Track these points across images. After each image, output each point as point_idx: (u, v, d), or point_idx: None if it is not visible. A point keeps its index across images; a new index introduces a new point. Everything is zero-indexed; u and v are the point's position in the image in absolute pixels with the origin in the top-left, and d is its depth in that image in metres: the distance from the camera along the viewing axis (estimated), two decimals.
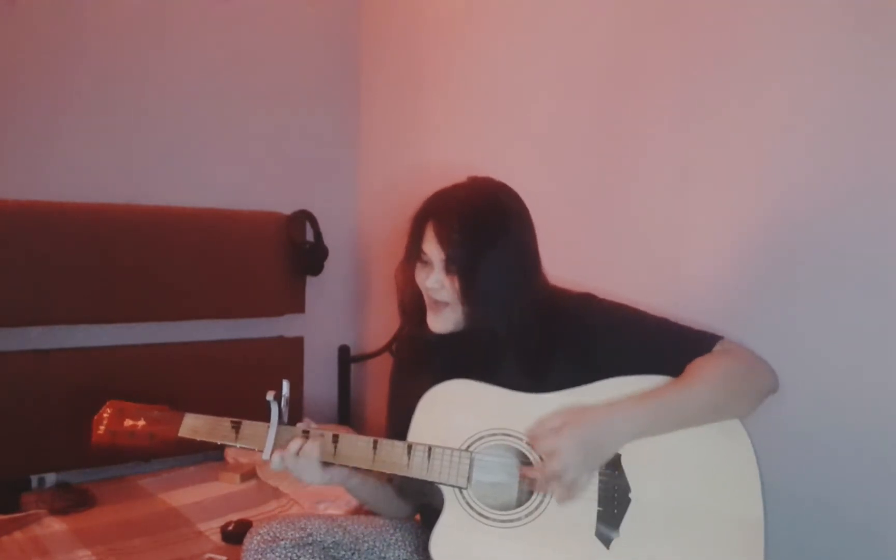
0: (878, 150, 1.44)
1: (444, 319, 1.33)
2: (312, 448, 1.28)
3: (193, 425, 1.35)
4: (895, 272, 1.43)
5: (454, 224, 1.29)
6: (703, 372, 1.25)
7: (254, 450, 1.31)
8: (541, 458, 1.23)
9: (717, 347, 1.29)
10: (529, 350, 1.33)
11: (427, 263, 1.34)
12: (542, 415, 1.26)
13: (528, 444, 1.27)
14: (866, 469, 1.47)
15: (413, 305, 1.41)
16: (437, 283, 1.31)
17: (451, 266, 1.30)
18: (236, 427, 1.33)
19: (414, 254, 1.37)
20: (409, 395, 1.36)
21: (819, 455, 1.54)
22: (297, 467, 1.28)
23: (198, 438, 1.34)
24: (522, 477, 1.27)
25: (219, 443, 1.33)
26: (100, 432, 1.38)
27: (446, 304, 1.32)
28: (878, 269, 1.45)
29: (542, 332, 1.33)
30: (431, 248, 1.31)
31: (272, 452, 1.29)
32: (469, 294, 1.29)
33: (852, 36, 1.48)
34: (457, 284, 1.30)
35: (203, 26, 2.51)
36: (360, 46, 2.88)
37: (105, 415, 1.40)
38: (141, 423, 1.37)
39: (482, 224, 1.30)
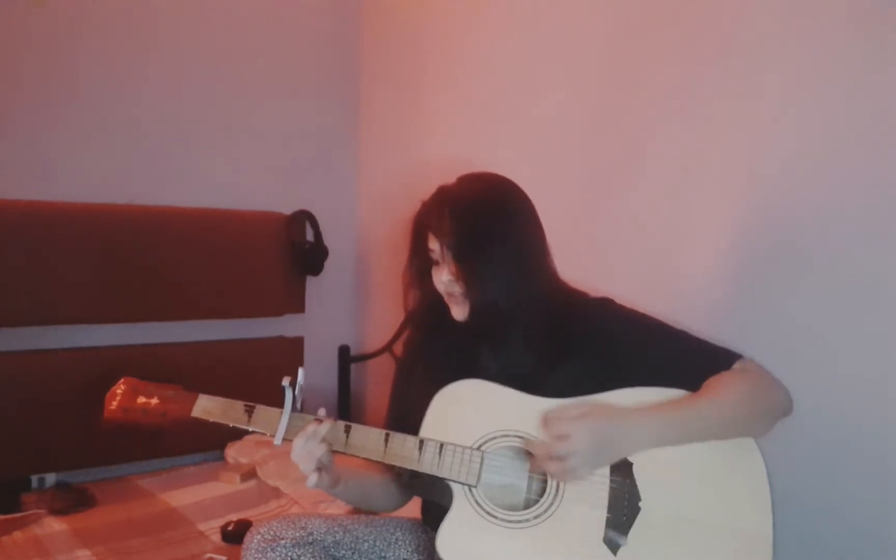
0: (880, 148, 1.44)
1: (463, 307, 1.33)
2: (324, 426, 1.28)
3: (206, 407, 1.35)
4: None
5: (447, 212, 1.31)
6: (723, 389, 1.24)
7: (265, 434, 1.31)
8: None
9: (737, 365, 1.28)
10: (538, 339, 1.33)
11: (438, 263, 1.34)
12: (562, 403, 1.26)
13: (541, 426, 1.26)
14: (870, 471, 1.47)
15: (416, 308, 1.42)
16: (449, 275, 1.32)
17: (449, 254, 1.30)
18: (249, 411, 1.33)
19: (417, 257, 1.38)
20: (416, 385, 1.36)
21: (821, 456, 1.53)
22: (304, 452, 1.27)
23: (210, 420, 1.34)
24: (529, 453, 1.27)
25: (231, 425, 1.33)
26: (112, 408, 1.38)
27: (462, 295, 1.33)
28: (880, 267, 1.45)
29: (554, 326, 1.33)
30: (434, 244, 1.33)
31: (284, 439, 1.29)
32: (466, 276, 1.30)
33: (852, 34, 1.48)
34: (454, 269, 1.30)
35: (203, 26, 2.52)
36: (360, 46, 2.88)
37: (118, 391, 1.40)
38: (154, 401, 1.38)
39: (476, 208, 1.32)
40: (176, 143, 2.48)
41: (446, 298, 1.36)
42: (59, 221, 2.19)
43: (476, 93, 2.38)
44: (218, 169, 2.58)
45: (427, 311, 1.42)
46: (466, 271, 1.30)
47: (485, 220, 1.31)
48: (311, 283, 2.72)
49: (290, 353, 2.64)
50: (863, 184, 1.47)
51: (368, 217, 2.87)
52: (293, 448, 1.27)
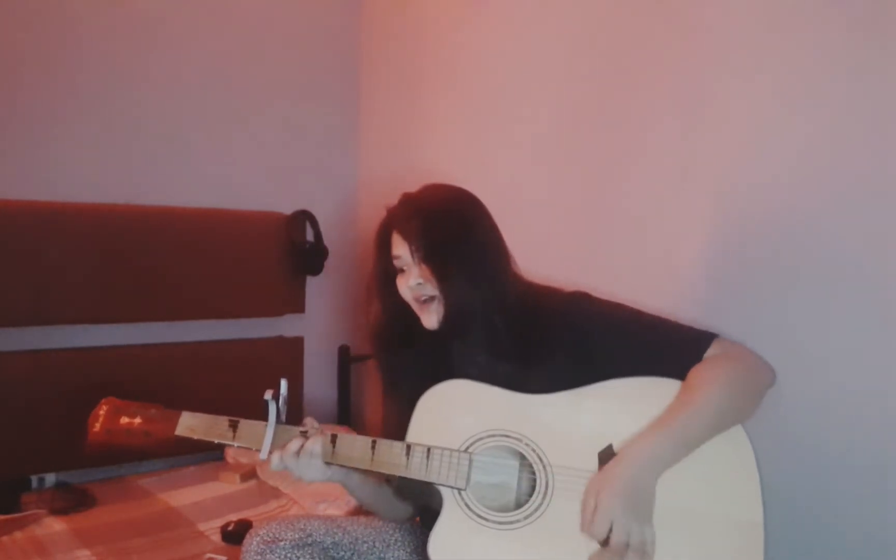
0: (879, 148, 1.44)
1: (435, 313, 1.33)
2: (315, 443, 1.28)
3: (190, 424, 1.35)
4: (894, 272, 1.43)
5: (414, 217, 1.32)
6: (710, 387, 1.22)
7: (251, 449, 1.31)
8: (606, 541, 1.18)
9: (714, 346, 1.28)
10: (514, 339, 1.33)
11: (403, 270, 1.35)
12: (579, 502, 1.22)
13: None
14: (865, 470, 1.47)
15: (380, 323, 1.43)
16: (417, 278, 1.32)
17: (419, 255, 1.31)
18: (234, 426, 1.33)
19: (383, 270, 1.39)
20: (401, 398, 1.36)
21: (817, 455, 1.53)
22: (297, 466, 1.28)
23: (195, 437, 1.33)
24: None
25: (216, 442, 1.32)
26: (95, 430, 1.37)
27: (432, 298, 1.33)
28: (877, 268, 1.44)
29: (527, 324, 1.33)
30: (401, 249, 1.33)
31: (270, 452, 1.29)
32: (442, 272, 1.30)
33: (851, 34, 1.47)
34: (427, 270, 1.31)
35: (203, 26, 2.52)
36: (360, 46, 2.88)
37: (101, 412, 1.39)
38: (137, 420, 1.36)
39: (442, 210, 1.34)
40: (176, 143, 2.48)
41: (415, 306, 1.35)
42: (59, 221, 2.19)
43: (475, 93, 2.38)
44: (218, 169, 2.58)
45: (391, 325, 1.42)
46: (438, 271, 1.30)
47: (451, 222, 1.33)
48: (311, 283, 2.72)
49: (290, 353, 2.64)
50: (862, 184, 1.47)
51: (368, 217, 2.86)
52: (271, 462, 1.27)
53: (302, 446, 1.28)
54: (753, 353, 1.29)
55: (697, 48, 1.75)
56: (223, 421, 1.33)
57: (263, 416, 1.31)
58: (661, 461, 1.19)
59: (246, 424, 1.33)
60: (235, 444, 1.32)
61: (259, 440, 1.30)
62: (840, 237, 1.50)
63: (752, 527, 1.19)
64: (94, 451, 1.37)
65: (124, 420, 1.37)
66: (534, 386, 1.30)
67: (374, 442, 1.29)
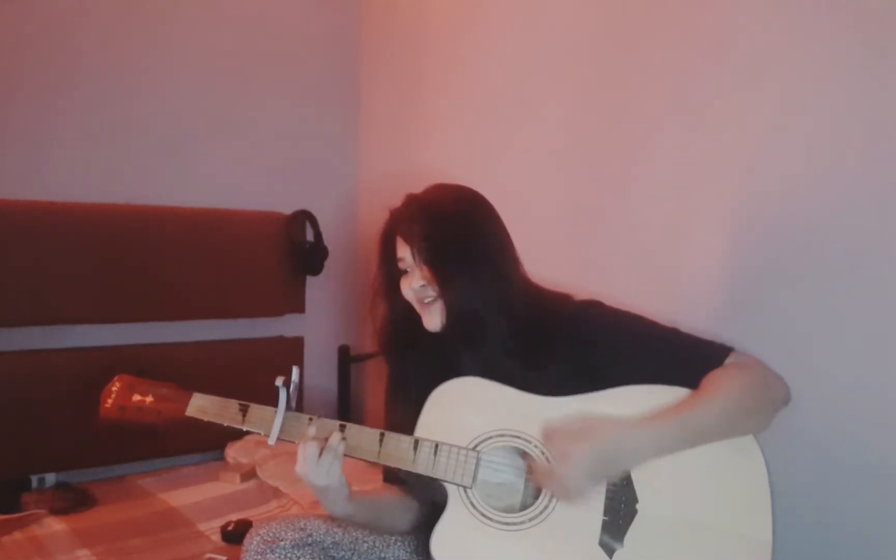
0: (880, 150, 1.44)
1: (438, 315, 1.33)
2: (338, 445, 1.26)
3: (201, 405, 1.36)
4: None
5: (418, 216, 1.32)
6: (720, 388, 1.22)
7: (260, 433, 1.32)
8: (548, 457, 1.22)
9: (730, 359, 1.26)
10: (518, 342, 1.32)
11: (407, 272, 1.34)
12: (564, 416, 1.24)
13: (540, 441, 1.26)
14: (870, 476, 1.47)
15: (385, 327, 1.43)
16: (420, 280, 1.31)
17: (420, 257, 1.30)
18: (244, 410, 1.33)
19: (385, 267, 1.39)
20: (407, 400, 1.36)
21: (822, 462, 1.53)
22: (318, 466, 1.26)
23: (205, 419, 1.34)
24: (528, 469, 1.25)
25: (225, 424, 1.33)
26: (107, 406, 1.38)
27: (435, 300, 1.32)
28: (880, 271, 1.44)
29: (533, 328, 1.32)
30: (404, 252, 1.33)
31: (277, 438, 1.29)
32: (440, 277, 1.29)
33: (852, 35, 1.47)
34: (429, 272, 1.30)
35: (203, 26, 2.52)
36: (360, 46, 2.88)
37: (113, 388, 1.40)
38: (149, 398, 1.38)
39: (446, 211, 1.33)
40: (176, 143, 2.48)
41: (417, 307, 1.35)
42: (59, 221, 2.19)
43: (475, 94, 2.38)
44: (218, 169, 2.58)
45: (397, 327, 1.42)
46: (439, 273, 1.29)
47: (454, 224, 1.32)
48: (311, 283, 2.72)
49: (290, 353, 2.63)
50: (863, 186, 1.47)
51: (368, 217, 2.87)
52: (314, 470, 1.24)
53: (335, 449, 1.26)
54: (769, 369, 1.27)
55: (698, 52, 1.75)
56: (233, 404, 1.34)
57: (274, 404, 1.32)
58: (653, 446, 1.19)
59: (256, 409, 1.33)
60: (244, 428, 1.33)
61: (268, 425, 1.31)
62: (841, 238, 1.50)
63: (760, 545, 1.19)
64: (106, 426, 1.37)
65: (136, 397, 1.38)
66: (542, 389, 1.29)
67: (382, 434, 1.29)
